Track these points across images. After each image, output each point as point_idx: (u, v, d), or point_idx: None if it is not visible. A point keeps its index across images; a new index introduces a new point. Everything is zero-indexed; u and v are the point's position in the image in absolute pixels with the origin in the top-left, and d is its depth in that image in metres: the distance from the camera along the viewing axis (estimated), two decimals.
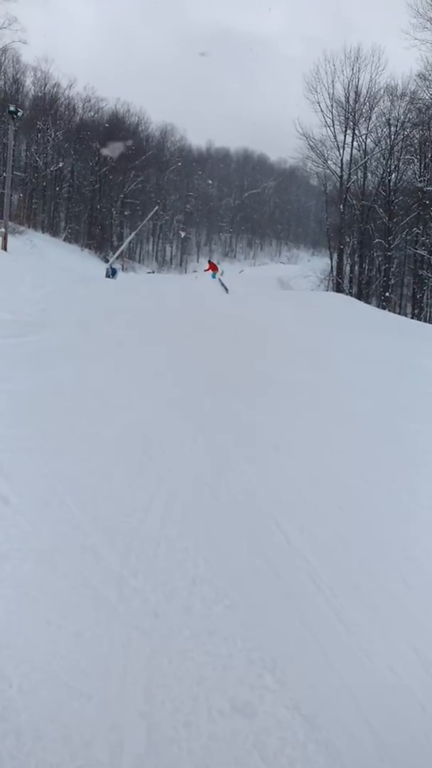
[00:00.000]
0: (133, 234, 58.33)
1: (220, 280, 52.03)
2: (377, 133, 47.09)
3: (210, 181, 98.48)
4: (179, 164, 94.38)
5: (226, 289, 41.52)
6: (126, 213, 78.88)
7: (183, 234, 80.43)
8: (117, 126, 77.66)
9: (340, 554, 4.79)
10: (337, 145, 47.99)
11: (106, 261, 54.55)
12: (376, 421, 8.89)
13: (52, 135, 69.80)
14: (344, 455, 7.26)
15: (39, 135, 69.17)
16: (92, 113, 77.51)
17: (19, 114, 27.37)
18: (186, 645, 3.50)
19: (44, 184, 71.36)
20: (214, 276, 37.14)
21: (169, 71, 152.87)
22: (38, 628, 3.44)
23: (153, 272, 76.57)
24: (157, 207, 65.42)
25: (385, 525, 5.49)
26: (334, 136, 47.86)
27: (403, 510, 5.91)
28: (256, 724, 3.00)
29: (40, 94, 72.03)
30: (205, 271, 40.22)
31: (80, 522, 4.66)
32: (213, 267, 39.80)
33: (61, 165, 71.78)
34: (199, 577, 4.20)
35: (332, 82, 48.14)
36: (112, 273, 40.02)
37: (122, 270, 54.52)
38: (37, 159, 69.91)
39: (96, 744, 2.75)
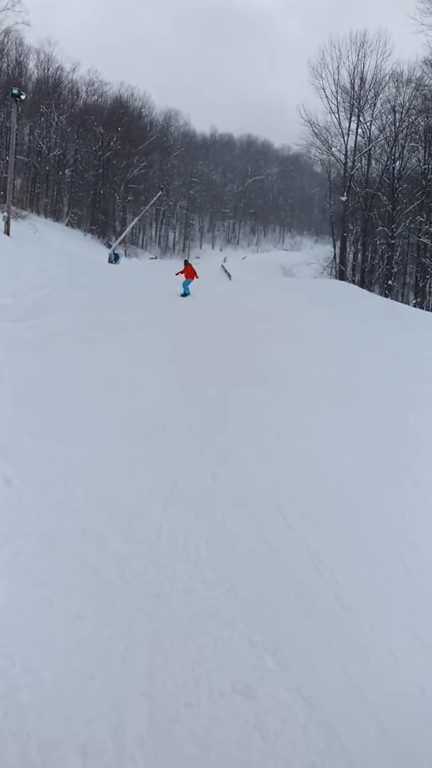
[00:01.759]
0: (135, 219, 58.03)
1: (223, 266, 51.95)
2: (382, 120, 46.72)
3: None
4: (183, 150, 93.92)
5: (229, 276, 41.48)
6: (129, 198, 78.51)
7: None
8: (120, 110, 77.12)
9: (341, 540, 4.81)
10: (342, 131, 47.64)
11: (109, 246, 54.38)
12: (379, 408, 8.88)
13: (56, 119, 69.32)
14: (346, 442, 7.26)
15: (42, 119, 68.69)
16: (96, 97, 77.03)
17: (23, 97, 27.09)
18: (187, 627, 3.52)
19: (47, 168, 70.99)
20: (186, 287, 20.97)
21: (172, 55, 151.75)
22: (40, 608, 3.46)
23: (156, 258, 76.28)
24: (160, 192, 65.04)
25: (387, 511, 5.50)
26: (339, 123, 47.52)
27: (404, 497, 5.92)
28: (257, 706, 3.02)
29: (43, 77, 71.56)
30: (178, 274, 21.96)
31: (83, 505, 4.67)
32: (189, 272, 21.67)
33: (62, 149, 71.46)
34: (201, 560, 4.21)
35: (337, 67, 47.69)
36: (114, 258, 39.91)
37: (125, 255, 54.37)
38: (40, 143, 69.47)
39: (98, 723, 2.77)
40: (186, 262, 22.50)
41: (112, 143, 73.28)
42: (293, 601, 3.93)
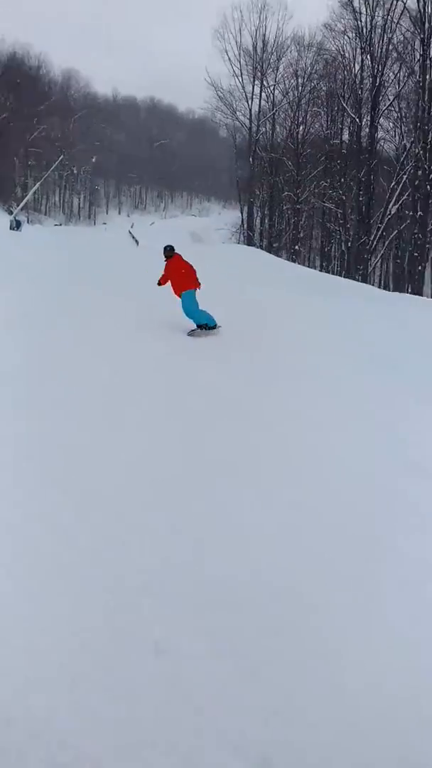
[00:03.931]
0: (37, 185, 56.15)
1: (130, 232, 51.22)
2: (285, 84, 47.07)
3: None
4: (84, 112, 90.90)
5: (137, 242, 41.01)
6: (30, 163, 75.62)
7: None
8: (15, 68, 73.66)
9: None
10: (246, 95, 47.67)
11: (10, 213, 52.41)
12: (313, 372, 8.95)
13: None
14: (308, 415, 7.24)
15: None
16: None
17: None
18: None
19: None
20: (195, 310, 10.63)
21: (68, 10, 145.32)
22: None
23: (60, 224, 74.24)
24: (62, 156, 63.01)
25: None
26: (242, 87, 47.48)
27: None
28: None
29: None
30: (163, 283, 11.09)
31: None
32: (183, 276, 10.67)
33: None
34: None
35: (239, 30, 47.54)
36: (16, 225, 38.55)
37: (27, 222, 52.58)
38: None
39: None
40: (170, 253, 11.20)
41: (9, 104, 70.01)
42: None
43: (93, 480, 4.72)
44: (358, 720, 2.82)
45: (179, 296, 10.82)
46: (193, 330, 10.79)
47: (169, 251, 11.25)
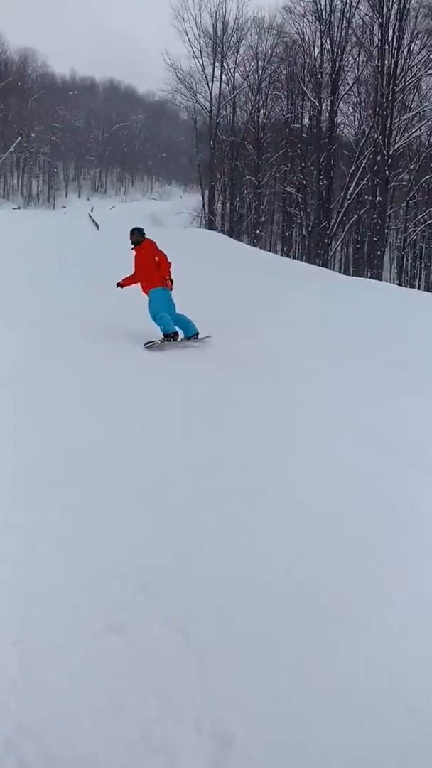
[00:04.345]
0: None
1: (90, 216, 50.65)
2: (245, 67, 46.66)
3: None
4: (42, 93, 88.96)
5: (97, 226, 40.55)
6: None
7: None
8: None
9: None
10: (206, 78, 47.09)
11: None
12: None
13: None
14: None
15: None
16: None
17: None
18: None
19: None
20: (164, 317, 8.56)
21: None
22: None
23: (19, 208, 72.90)
24: (20, 138, 61.74)
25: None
26: (203, 69, 46.89)
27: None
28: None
29: None
30: (124, 285, 9.27)
31: None
32: (150, 273, 8.72)
33: None
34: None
35: (199, 10, 46.98)
36: None
37: None
38: None
39: None
40: (140, 238, 9.12)
41: None
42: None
43: (93, 480, 4.67)
44: (358, 719, 2.85)
45: (147, 294, 8.88)
46: (150, 342, 8.50)
47: (138, 236, 9.10)
